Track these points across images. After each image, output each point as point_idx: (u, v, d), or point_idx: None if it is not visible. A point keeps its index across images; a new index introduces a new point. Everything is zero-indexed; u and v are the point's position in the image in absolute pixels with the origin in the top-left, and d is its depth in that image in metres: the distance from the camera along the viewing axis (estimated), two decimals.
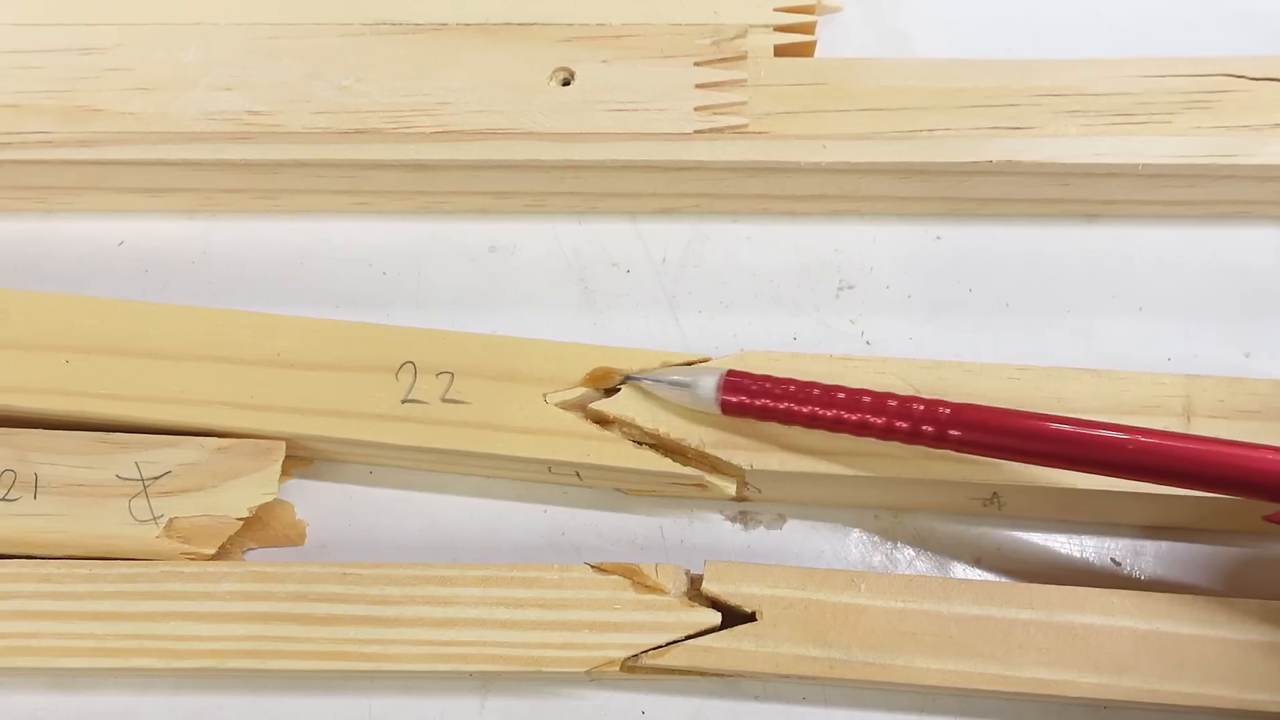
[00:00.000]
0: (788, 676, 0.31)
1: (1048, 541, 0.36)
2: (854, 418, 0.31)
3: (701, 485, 0.35)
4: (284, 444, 0.35)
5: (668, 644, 0.32)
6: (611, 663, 0.31)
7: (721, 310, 0.40)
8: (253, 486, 0.34)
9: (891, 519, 0.36)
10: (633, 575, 0.32)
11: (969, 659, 0.31)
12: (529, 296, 0.40)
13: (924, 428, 0.31)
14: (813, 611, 0.32)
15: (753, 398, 0.32)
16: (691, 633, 0.32)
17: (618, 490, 0.37)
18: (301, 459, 0.37)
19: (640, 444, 0.34)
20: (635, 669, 0.32)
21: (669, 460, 0.34)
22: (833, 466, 0.33)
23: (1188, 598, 0.32)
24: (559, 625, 0.32)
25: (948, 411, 0.30)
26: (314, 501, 0.37)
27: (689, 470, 0.34)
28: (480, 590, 0.32)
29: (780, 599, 0.32)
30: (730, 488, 0.34)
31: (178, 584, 0.33)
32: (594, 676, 0.32)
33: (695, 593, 0.33)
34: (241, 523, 0.34)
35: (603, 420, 0.34)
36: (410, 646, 0.32)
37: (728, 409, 0.32)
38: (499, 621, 0.32)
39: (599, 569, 0.32)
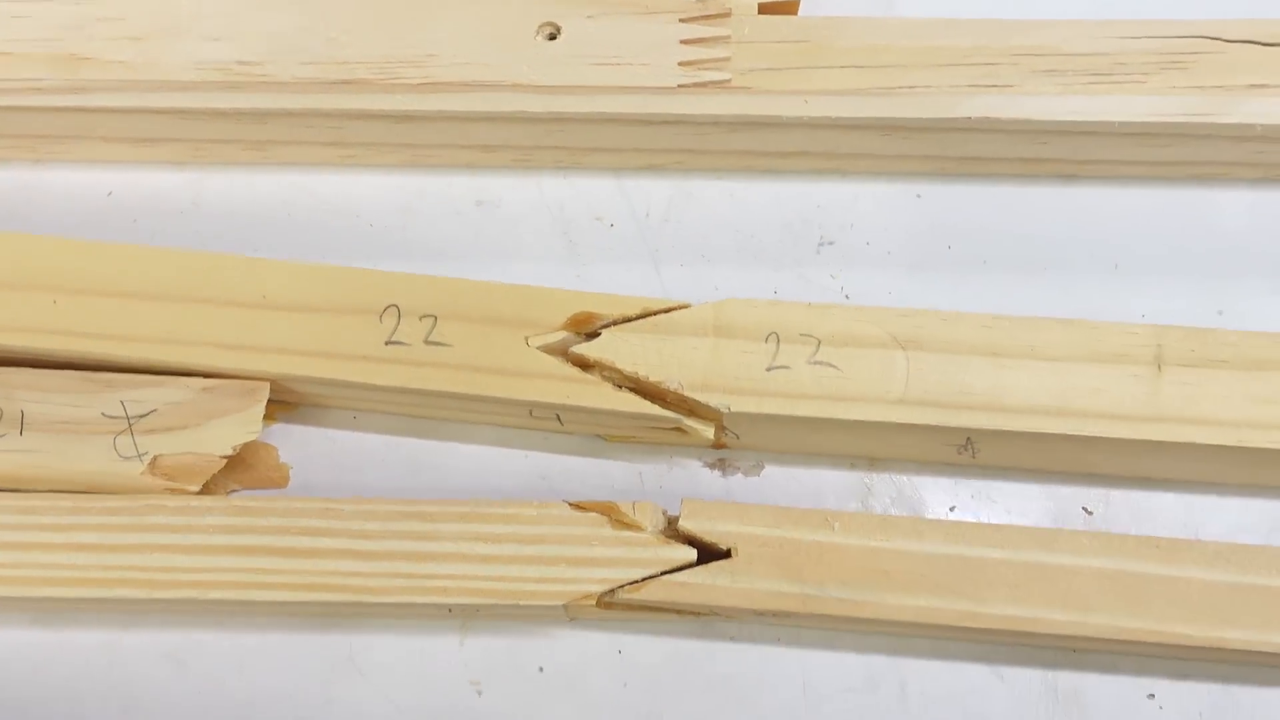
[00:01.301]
0: (761, 612, 0.32)
1: (1021, 491, 0.37)
2: None
3: (680, 430, 0.35)
4: (268, 384, 0.35)
5: (644, 579, 0.32)
6: (588, 597, 0.32)
7: (703, 264, 0.40)
8: (237, 425, 0.35)
9: (868, 468, 0.37)
10: (610, 513, 0.33)
11: (940, 596, 0.32)
12: (514, 249, 0.41)
13: None
14: (787, 549, 0.32)
15: None
16: (667, 569, 0.32)
17: (598, 437, 0.37)
18: (286, 404, 0.37)
19: (620, 387, 0.34)
20: (611, 604, 0.33)
21: (648, 403, 0.34)
22: (809, 408, 0.33)
23: (1153, 539, 0.32)
24: (537, 560, 0.32)
25: None
26: (298, 446, 0.38)
27: (667, 413, 0.34)
28: (459, 526, 0.33)
29: (755, 537, 0.32)
30: (708, 432, 0.35)
31: (161, 517, 0.33)
32: (571, 612, 0.33)
33: (672, 531, 0.33)
34: (225, 460, 0.34)
35: (583, 364, 0.35)
36: (390, 579, 0.32)
37: None
38: (477, 556, 0.32)
39: (577, 507, 0.33)
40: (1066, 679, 0.35)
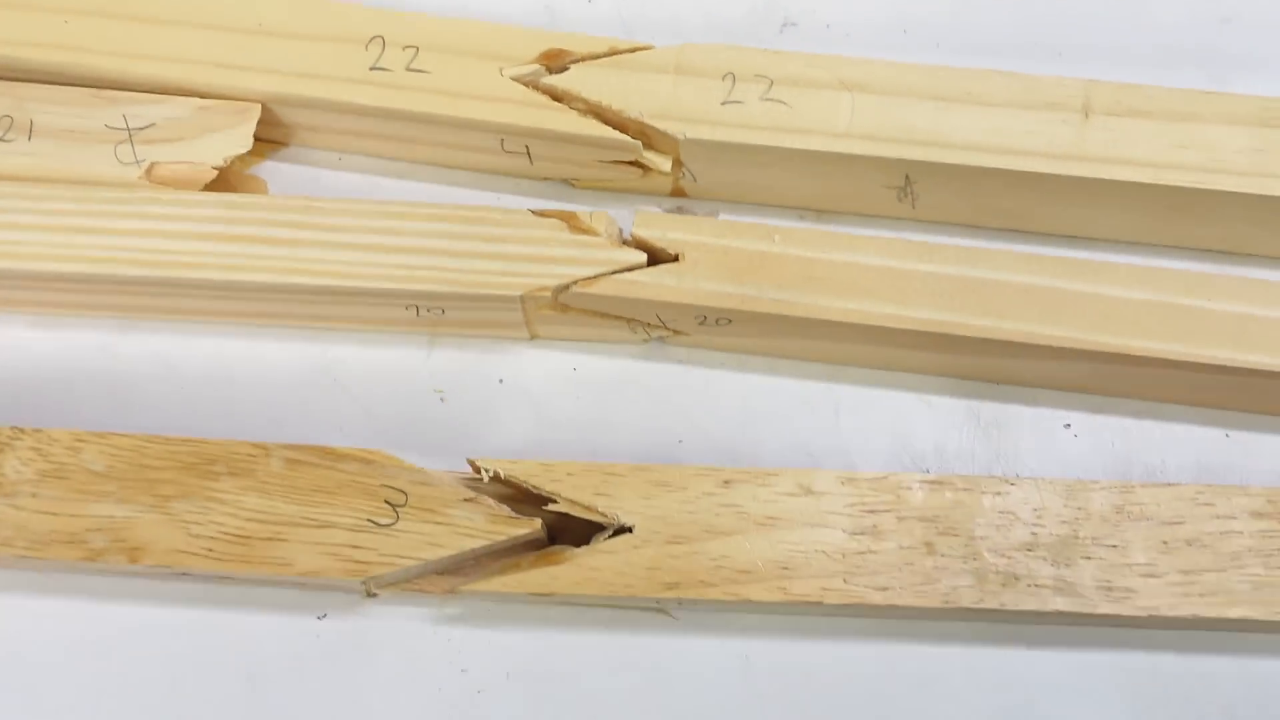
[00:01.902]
0: (704, 308, 0.34)
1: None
2: None
3: (641, 167, 0.38)
4: (260, 106, 0.38)
5: (596, 276, 0.35)
6: (544, 289, 0.35)
7: (670, 40, 0.42)
8: (229, 140, 0.37)
9: (815, 219, 0.39)
10: (569, 220, 0.35)
11: (869, 300, 0.34)
12: None
13: None
14: (730, 256, 0.35)
15: None
16: (619, 268, 0.35)
17: (567, 183, 0.40)
18: (275, 141, 0.40)
19: (585, 115, 0.37)
20: (567, 306, 0.35)
21: (610, 129, 0.37)
22: (759, 138, 0.36)
23: (1073, 259, 0.35)
24: (498, 256, 0.35)
25: None
26: (286, 185, 0.40)
27: (627, 139, 0.37)
28: (428, 224, 0.35)
29: (702, 244, 0.35)
30: (666, 165, 0.37)
31: (156, 207, 0.36)
32: (527, 310, 0.35)
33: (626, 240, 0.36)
34: (217, 172, 0.37)
35: (553, 95, 0.37)
36: (362, 267, 0.35)
37: None
38: (444, 250, 0.35)
39: (539, 214, 0.36)
40: (989, 408, 0.37)
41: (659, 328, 0.36)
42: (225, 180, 0.38)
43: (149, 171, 0.37)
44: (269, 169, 0.41)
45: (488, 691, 0.34)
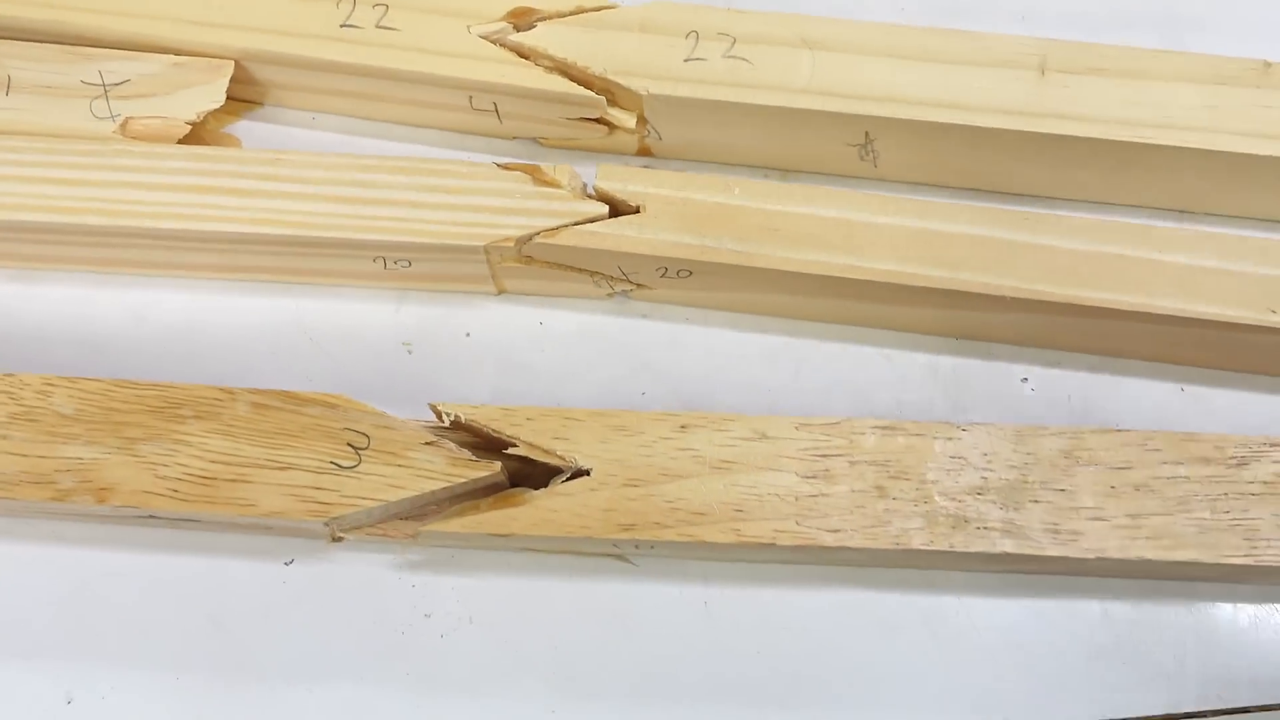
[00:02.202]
0: (665, 259, 0.35)
1: None
2: None
3: (608, 125, 0.38)
4: (233, 63, 0.38)
5: (558, 227, 0.35)
6: (507, 240, 0.35)
7: None
8: (203, 96, 0.38)
9: (780, 179, 0.40)
10: (533, 173, 0.36)
11: (827, 252, 0.35)
12: None
13: None
14: (690, 208, 0.35)
15: None
16: (581, 220, 0.35)
17: (535, 141, 0.41)
18: (250, 101, 0.41)
19: (551, 71, 0.37)
20: (531, 258, 0.36)
21: (575, 85, 0.37)
22: (721, 93, 0.37)
23: (1022, 212, 0.35)
24: (463, 208, 0.36)
25: None
26: (260, 143, 0.41)
27: (592, 94, 0.37)
28: (395, 177, 0.36)
29: (662, 196, 0.36)
30: (630, 121, 0.38)
31: (129, 160, 0.36)
32: (491, 261, 0.36)
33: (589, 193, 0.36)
34: (190, 127, 0.38)
35: (519, 52, 0.38)
36: (329, 218, 0.35)
37: None
38: (410, 202, 0.36)
39: (504, 167, 0.36)
40: (948, 363, 0.38)
41: (623, 281, 0.37)
42: (199, 138, 0.39)
43: (123, 126, 0.38)
44: (244, 128, 0.41)
45: (450, 636, 0.35)
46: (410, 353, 0.38)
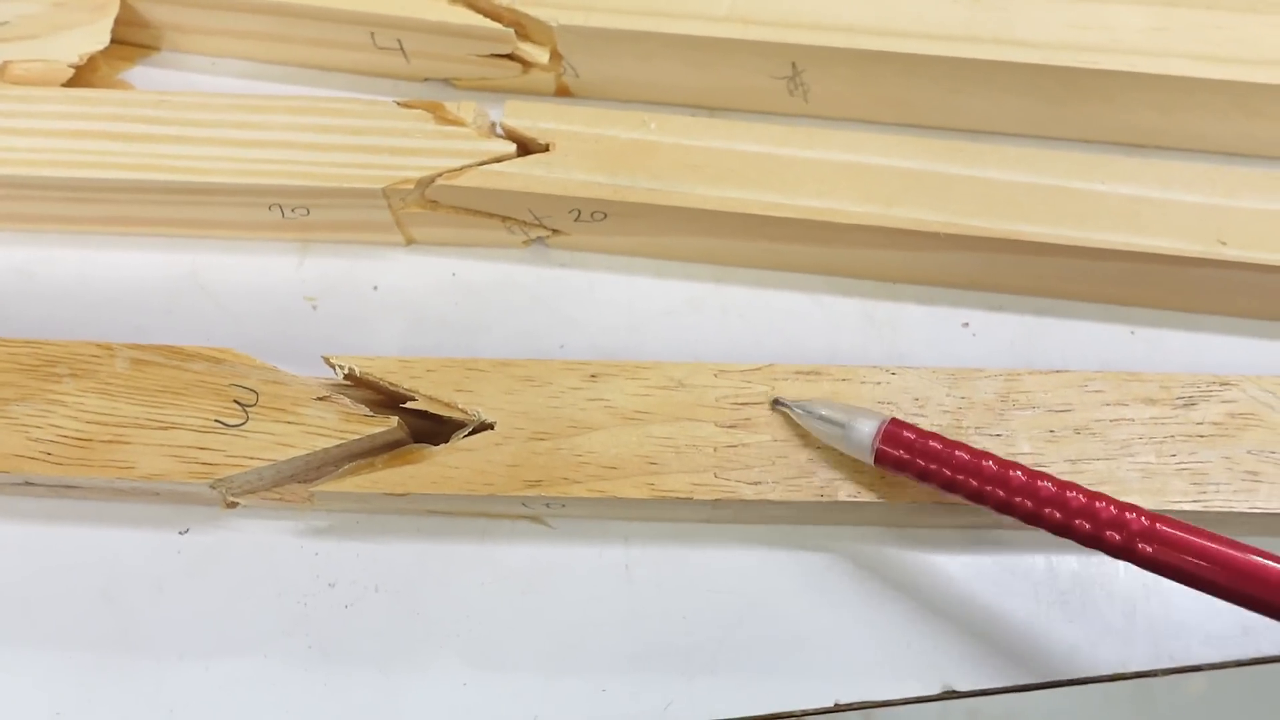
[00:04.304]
0: (577, 199, 0.33)
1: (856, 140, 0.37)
2: (1027, 505, 0.27)
3: (523, 63, 0.36)
4: (119, 1, 0.36)
5: (463, 167, 0.33)
6: (407, 181, 0.33)
7: None
8: (86, 37, 0.36)
9: (707, 116, 0.38)
10: (435, 110, 0.34)
11: (748, 189, 0.33)
12: None
13: (1108, 534, 0.27)
14: (604, 145, 0.33)
15: (913, 455, 0.28)
16: (487, 159, 0.33)
17: (447, 83, 0.38)
18: (144, 45, 0.38)
19: (455, 3, 0.35)
20: (433, 196, 0.34)
21: (480, 16, 0.35)
22: (637, 23, 0.34)
23: (959, 143, 0.33)
24: (361, 149, 0.33)
25: (1142, 522, 0.26)
26: (157, 89, 0.39)
27: (498, 26, 0.35)
28: (289, 117, 0.34)
29: (574, 133, 0.33)
30: (543, 56, 0.36)
31: (3, 104, 0.34)
32: (389, 196, 0.34)
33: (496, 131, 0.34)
34: (74, 70, 0.35)
35: None
36: (218, 162, 0.33)
37: (882, 460, 0.29)
38: (305, 144, 0.33)
39: (404, 105, 0.34)
40: (883, 308, 0.36)
41: (537, 226, 0.35)
42: (89, 84, 0.36)
43: (2, 70, 0.35)
44: (139, 74, 0.39)
45: (356, 605, 0.32)
46: (315, 308, 0.36)
